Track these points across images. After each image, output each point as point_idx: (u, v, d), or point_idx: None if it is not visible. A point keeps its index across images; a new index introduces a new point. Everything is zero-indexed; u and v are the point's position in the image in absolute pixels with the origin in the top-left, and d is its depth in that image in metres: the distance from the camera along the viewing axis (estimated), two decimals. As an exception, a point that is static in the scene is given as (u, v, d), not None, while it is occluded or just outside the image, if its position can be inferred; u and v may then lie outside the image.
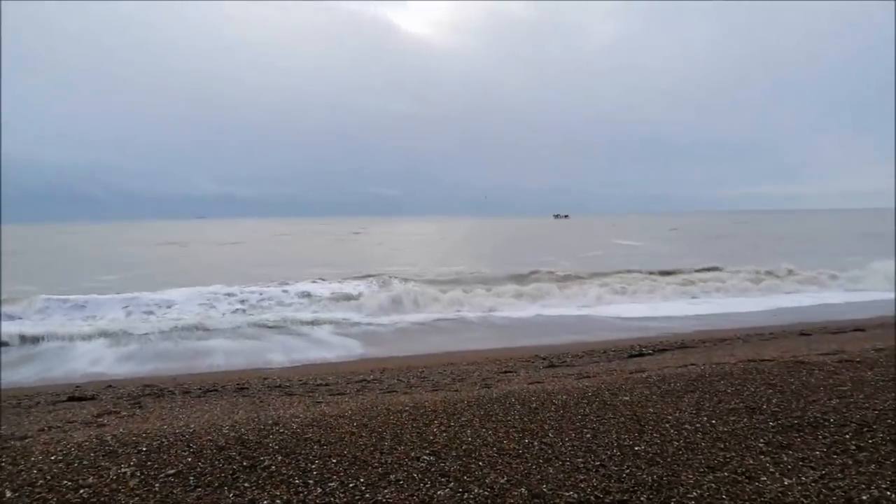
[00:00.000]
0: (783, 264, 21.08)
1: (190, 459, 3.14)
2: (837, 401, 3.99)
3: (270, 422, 3.82)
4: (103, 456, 3.20)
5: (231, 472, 2.99)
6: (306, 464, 3.10)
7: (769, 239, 47.13)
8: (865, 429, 3.44)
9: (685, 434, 3.45)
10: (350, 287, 18.82)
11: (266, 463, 3.10)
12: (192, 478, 2.91)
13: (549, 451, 3.24)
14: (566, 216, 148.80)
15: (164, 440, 3.43)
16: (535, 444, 3.37)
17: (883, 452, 3.10)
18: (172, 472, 2.97)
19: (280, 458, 3.17)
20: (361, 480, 2.89)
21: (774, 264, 21.86)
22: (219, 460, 3.13)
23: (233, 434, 3.53)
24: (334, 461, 3.13)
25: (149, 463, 3.08)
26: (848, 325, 10.75)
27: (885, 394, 4.12)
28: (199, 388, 7.23)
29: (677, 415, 3.82)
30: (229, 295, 16.47)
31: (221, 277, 21.45)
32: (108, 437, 3.52)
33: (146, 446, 3.33)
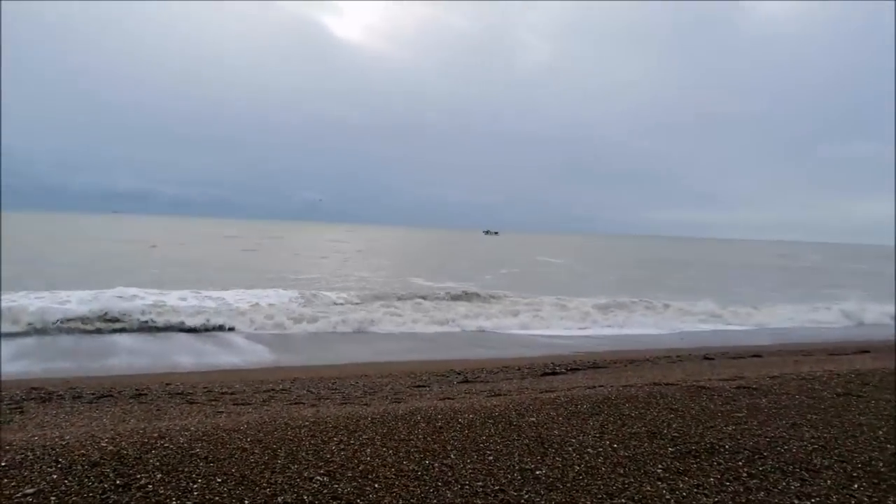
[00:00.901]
0: (701, 300, 21.00)
1: (55, 476, 2.83)
2: (733, 427, 4.10)
3: (156, 434, 3.53)
4: (-48, 472, 2.85)
5: (101, 491, 2.71)
6: (188, 483, 2.85)
7: (684, 266, 49.32)
8: (757, 456, 3.53)
9: (587, 458, 3.44)
10: (267, 294, 18.29)
11: (143, 482, 2.83)
12: (53, 498, 2.61)
13: (449, 474, 3.14)
14: (496, 233, 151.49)
15: (28, 454, 3.09)
16: (436, 465, 3.26)
17: (772, 480, 3.18)
18: (31, 491, 2.67)
19: (160, 476, 2.91)
20: (246, 503, 2.70)
21: (682, 292, 22.74)
22: (89, 478, 2.84)
23: (111, 448, 3.23)
24: (220, 480, 2.91)
25: (5, 480, 2.76)
26: (747, 350, 11.29)
27: (778, 421, 4.27)
28: (93, 393, 6.77)
29: (581, 438, 3.81)
30: (135, 296, 15.64)
31: (129, 278, 20.39)
32: (-36, 450, 3.16)
33: (7, 461, 2.98)
